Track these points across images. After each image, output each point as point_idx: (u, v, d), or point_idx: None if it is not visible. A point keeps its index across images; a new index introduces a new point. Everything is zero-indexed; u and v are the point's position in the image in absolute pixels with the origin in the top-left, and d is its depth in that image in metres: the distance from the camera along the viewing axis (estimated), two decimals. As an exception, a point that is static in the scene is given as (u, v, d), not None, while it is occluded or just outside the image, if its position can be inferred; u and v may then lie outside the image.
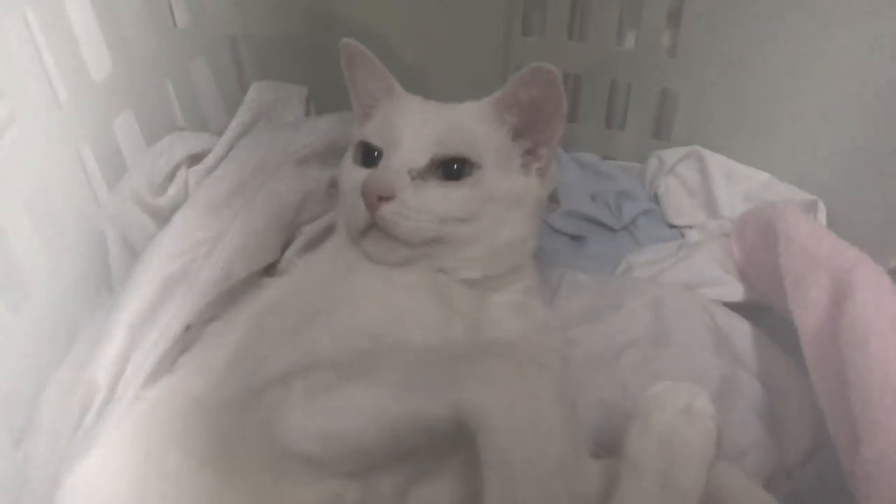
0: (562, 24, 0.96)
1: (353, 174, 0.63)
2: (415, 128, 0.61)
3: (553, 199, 0.93)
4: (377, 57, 0.67)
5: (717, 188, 0.90)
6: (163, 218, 0.70)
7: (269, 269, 0.72)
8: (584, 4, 0.97)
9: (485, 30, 0.99)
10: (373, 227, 0.59)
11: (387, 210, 0.57)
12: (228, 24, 0.91)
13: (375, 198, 0.57)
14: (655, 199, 0.96)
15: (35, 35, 0.61)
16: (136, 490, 0.51)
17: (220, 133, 0.80)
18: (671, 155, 0.95)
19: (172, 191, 0.71)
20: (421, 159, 0.60)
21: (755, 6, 0.84)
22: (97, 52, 0.69)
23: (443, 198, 0.60)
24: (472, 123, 0.63)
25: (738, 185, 0.89)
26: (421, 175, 0.60)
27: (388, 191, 0.57)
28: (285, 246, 0.73)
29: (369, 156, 0.64)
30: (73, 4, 0.66)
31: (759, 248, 0.73)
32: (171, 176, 0.72)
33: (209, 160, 0.75)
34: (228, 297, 0.65)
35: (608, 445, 0.62)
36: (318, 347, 0.53)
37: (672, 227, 0.93)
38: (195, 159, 0.75)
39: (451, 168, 0.61)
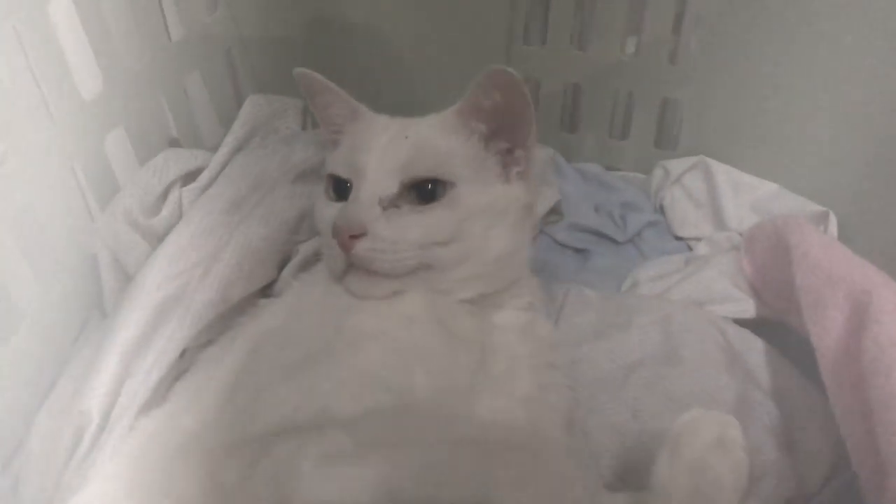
0: (564, 33, 0.94)
1: (325, 211, 0.61)
2: (380, 153, 0.59)
3: (556, 211, 0.91)
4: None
5: (724, 199, 0.88)
6: (156, 239, 0.68)
7: (265, 289, 0.70)
8: (587, 13, 0.95)
9: (486, 39, 0.97)
10: (352, 266, 0.57)
11: (361, 248, 0.55)
12: (223, 36, 0.90)
13: (347, 237, 0.55)
14: (661, 210, 0.94)
15: (23, 52, 0.59)
16: None
17: (214, 148, 0.78)
18: (677, 165, 0.93)
19: (166, 211, 0.69)
20: (390, 186, 0.57)
21: (760, 13, 0.82)
22: (88, 68, 0.67)
23: (417, 223, 0.57)
24: (438, 138, 0.60)
25: (746, 195, 0.88)
26: (393, 202, 0.57)
27: (358, 228, 0.55)
28: (282, 265, 0.71)
29: (341, 188, 0.61)
30: (62, 21, 0.64)
31: (770, 264, 0.71)
32: (164, 195, 0.70)
33: (203, 178, 0.73)
34: (225, 317, 0.63)
35: (618, 471, 0.60)
36: (320, 392, 0.50)
37: (678, 238, 0.91)
38: (189, 177, 0.73)
39: (425, 189, 0.58)
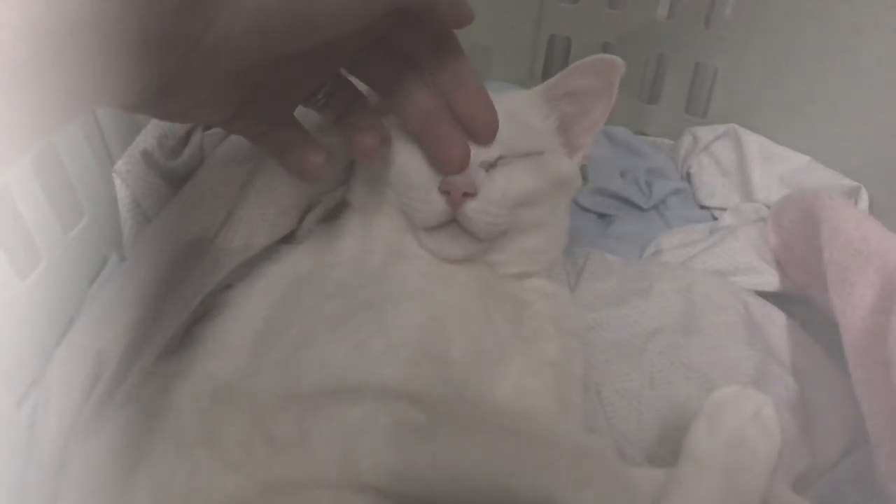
0: (598, -9, 0.92)
1: (419, 165, 0.58)
2: None
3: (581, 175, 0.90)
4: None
5: (752, 169, 0.86)
6: (177, 181, 0.67)
7: (285, 238, 0.69)
8: (622, -29, 0.93)
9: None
10: (451, 223, 0.56)
11: (471, 208, 0.55)
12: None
13: (461, 195, 0.54)
14: (687, 178, 0.92)
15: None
16: (155, 476, 0.48)
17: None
18: (706, 133, 0.91)
19: (187, 153, 0.68)
20: (492, 154, 0.57)
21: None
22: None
23: (509, 177, 0.57)
24: (527, 114, 0.61)
25: (775, 167, 0.86)
26: (492, 165, 0.57)
27: (473, 187, 0.55)
28: (303, 214, 0.70)
29: None
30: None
31: (797, 237, 0.69)
32: (185, 138, 0.69)
33: (226, 122, 0.71)
34: (245, 264, 0.63)
35: (633, 437, 0.60)
36: (369, 355, 0.50)
37: (703, 208, 0.90)
38: (212, 121, 0.72)
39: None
